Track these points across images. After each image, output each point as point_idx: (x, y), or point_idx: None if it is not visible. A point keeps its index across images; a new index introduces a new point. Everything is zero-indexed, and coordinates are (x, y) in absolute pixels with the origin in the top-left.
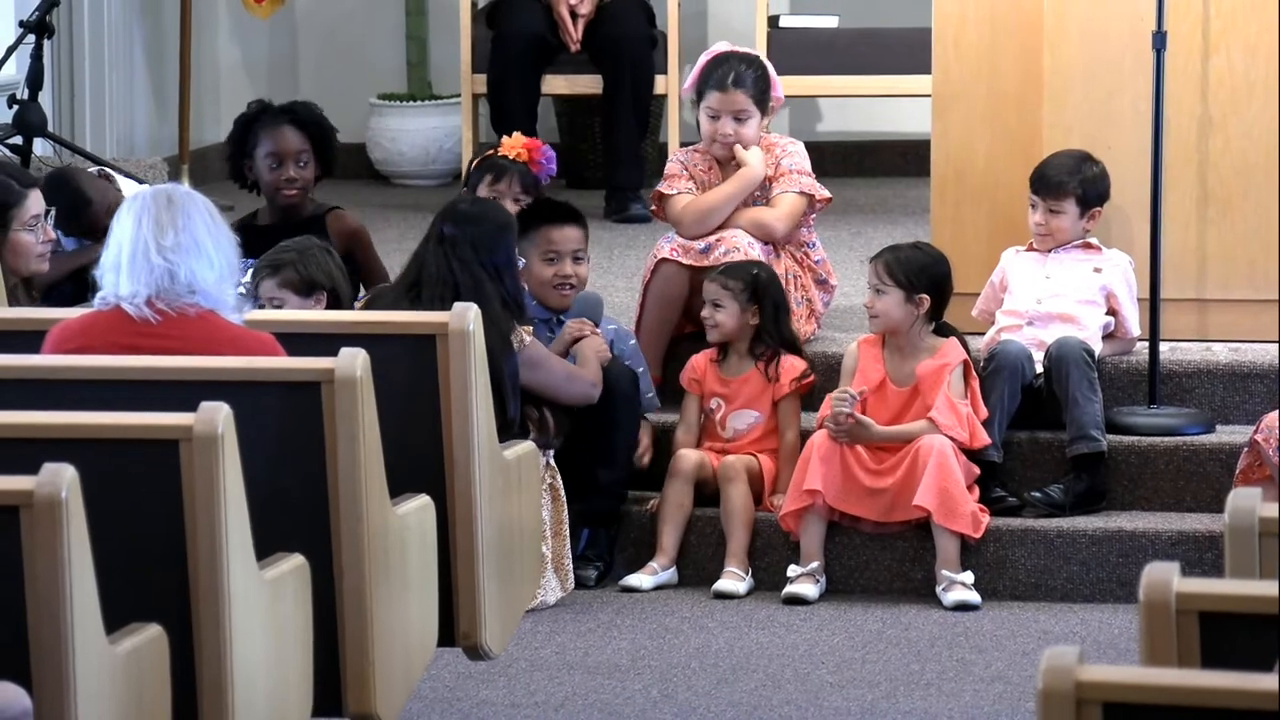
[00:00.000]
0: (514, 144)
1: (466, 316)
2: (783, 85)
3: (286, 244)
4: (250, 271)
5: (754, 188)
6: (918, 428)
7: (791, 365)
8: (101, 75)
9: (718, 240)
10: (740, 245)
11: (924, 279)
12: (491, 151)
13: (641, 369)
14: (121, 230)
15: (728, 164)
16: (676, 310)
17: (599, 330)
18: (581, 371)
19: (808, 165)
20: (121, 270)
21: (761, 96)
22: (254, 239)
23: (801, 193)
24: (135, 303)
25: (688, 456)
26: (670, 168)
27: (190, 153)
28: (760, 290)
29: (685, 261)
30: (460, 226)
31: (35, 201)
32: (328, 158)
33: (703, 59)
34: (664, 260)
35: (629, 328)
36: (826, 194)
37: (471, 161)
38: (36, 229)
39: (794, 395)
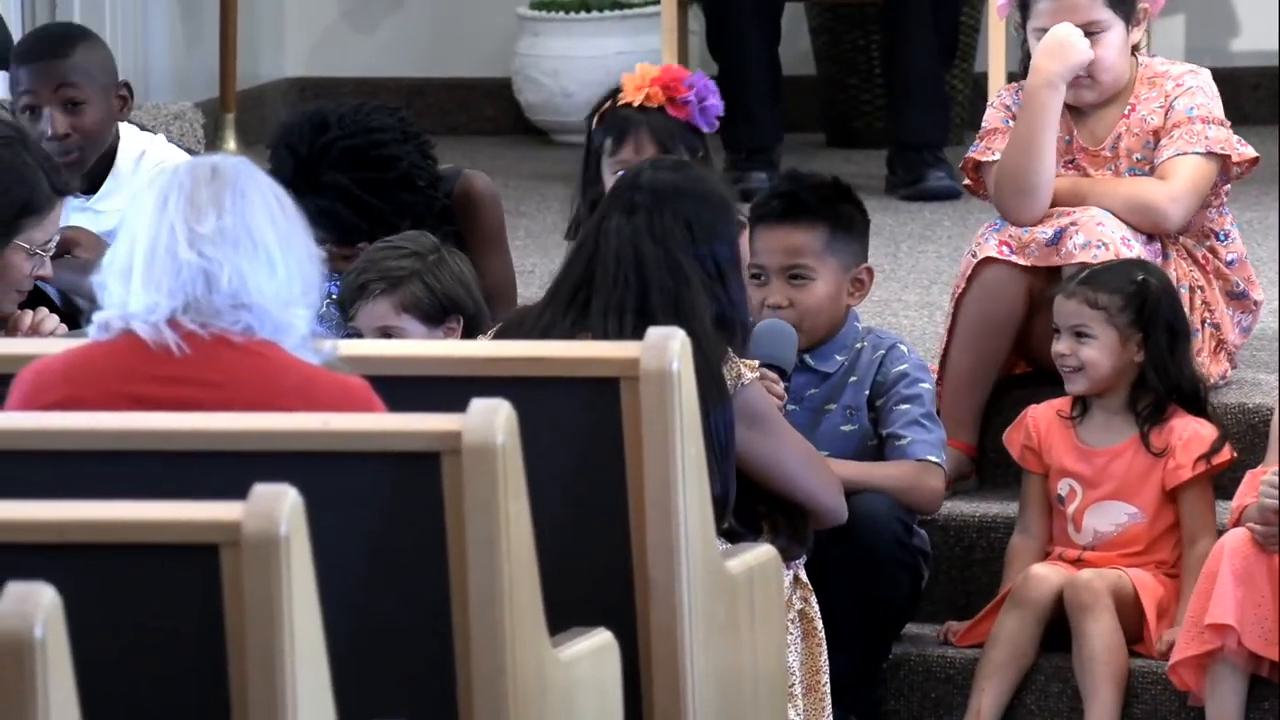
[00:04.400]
0: (638, 80)
1: (668, 347)
2: None
3: (393, 242)
4: (339, 290)
5: (1076, 71)
6: None
7: (1195, 432)
8: None
9: (1072, 226)
10: (1109, 237)
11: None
12: (609, 102)
13: (934, 457)
14: (138, 217)
15: (1090, 111)
16: (1006, 339)
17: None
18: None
19: (1218, 107)
20: (134, 273)
21: None
22: None
23: (1209, 153)
24: (153, 320)
25: (1043, 579)
26: (992, 117)
27: (238, 96)
28: (1152, 307)
29: (1021, 262)
30: (662, 197)
31: (57, 218)
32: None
33: None
34: (988, 261)
35: (931, 365)
36: (1250, 152)
37: (591, 118)
38: (39, 258)
39: (1202, 481)
